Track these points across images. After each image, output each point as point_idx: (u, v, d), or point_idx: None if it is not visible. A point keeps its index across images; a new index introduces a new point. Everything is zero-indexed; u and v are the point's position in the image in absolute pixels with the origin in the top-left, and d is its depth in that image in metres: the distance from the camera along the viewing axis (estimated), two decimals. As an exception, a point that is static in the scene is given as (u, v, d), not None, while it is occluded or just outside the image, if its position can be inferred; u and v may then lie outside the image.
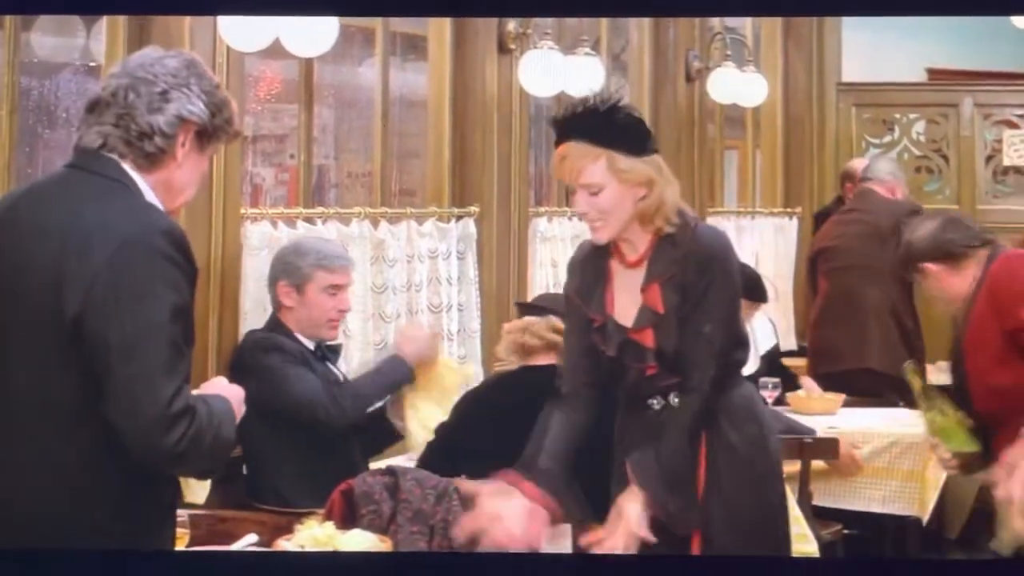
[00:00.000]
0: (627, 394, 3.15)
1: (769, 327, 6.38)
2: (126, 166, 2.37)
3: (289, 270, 4.08)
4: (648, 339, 3.06)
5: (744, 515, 3.12)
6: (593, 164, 3.01)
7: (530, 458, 3.11)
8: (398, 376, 4.14)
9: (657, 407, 3.10)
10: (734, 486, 3.10)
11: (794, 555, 4.35)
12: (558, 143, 3.07)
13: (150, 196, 2.39)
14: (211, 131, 2.45)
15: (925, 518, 5.08)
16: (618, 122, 3.02)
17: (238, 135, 2.60)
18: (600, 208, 3.03)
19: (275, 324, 4.11)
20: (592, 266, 3.17)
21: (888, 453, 5.09)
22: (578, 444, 3.15)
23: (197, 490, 2.49)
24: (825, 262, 6.30)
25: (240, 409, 2.47)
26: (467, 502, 3.34)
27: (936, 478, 5.00)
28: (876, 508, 5.08)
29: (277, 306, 4.12)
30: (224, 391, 2.46)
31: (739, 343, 3.18)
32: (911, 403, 5.93)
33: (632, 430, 3.15)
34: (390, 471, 3.47)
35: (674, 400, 3.08)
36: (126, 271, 2.25)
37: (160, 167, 2.40)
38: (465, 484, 3.32)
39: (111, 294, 2.24)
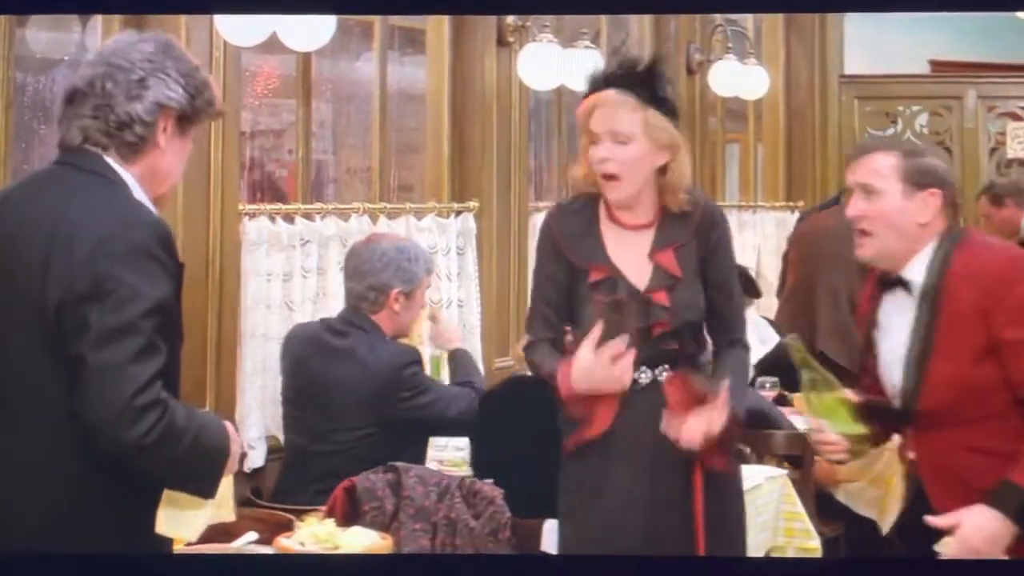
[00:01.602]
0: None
1: (766, 327, 6.30)
2: (111, 160, 2.35)
3: (405, 277, 4.07)
4: (663, 299, 3.05)
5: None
6: (630, 114, 3.01)
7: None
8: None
9: (644, 381, 3.05)
10: None
11: (797, 550, 4.35)
12: (596, 90, 3.05)
13: (136, 189, 2.37)
14: (192, 114, 2.42)
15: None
16: (660, 85, 3.04)
17: (221, 115, 2.57)
18: (622, 160, 3.02)
19: (371, 326, 4.06)
20: (581, 216, 3.14)
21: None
22: None
23: (190, 522, 2.40)
24: (796, 252, 6.26)
25: (235, 443, 2.42)
26: (468, 498, 3.34)
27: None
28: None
29: (374, 310, 4.07)
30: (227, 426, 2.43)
31: None
32: None
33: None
34: (392, 468, 3.46)
35: (661, 375, 3.05)
36: (106, 264, 2.23)
37: (143, 155, 2.38)
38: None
39: (90, 286, 2.22)
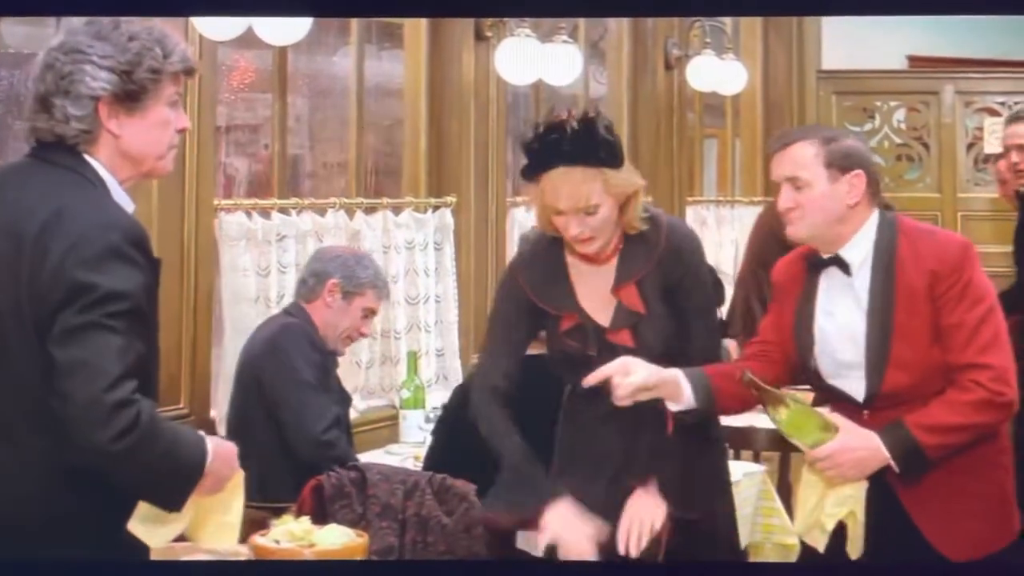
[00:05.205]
0: (595, 398, 2.97)
1: None
2: (82, 152, 2.32)
3: (348, 274, 4.11)
4: (627, 339, 2.98)
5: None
6: (589, 185, 2.89)
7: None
8: None
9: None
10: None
11: (775, 546, 4.35)
12: (543, 170, 2.91)
13: (110, 181, 2.33)
14: (138, 90, 2.31)
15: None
16: (601, 137, 2.90)
17: (189, 71, 2.39)
18: (595, 227, 2.93)
19: (303, 314, 4.09)
20: (545, 258, 3.06)
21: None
22: None
23: (156, 531, 2.35)
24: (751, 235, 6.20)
25: (226, 463, 2.37)
26: (441, 495, 3.33)
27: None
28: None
29: (309, 298, 4.10)
30: (220, 445, 2.38)
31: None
32: None
33: (601, 433, 3.06)
34: (355, 467, 3.46)
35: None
36: (80, 267, 2.19)
37: (100, 144, 2.32)
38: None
39: (62, 288, 2.19)
